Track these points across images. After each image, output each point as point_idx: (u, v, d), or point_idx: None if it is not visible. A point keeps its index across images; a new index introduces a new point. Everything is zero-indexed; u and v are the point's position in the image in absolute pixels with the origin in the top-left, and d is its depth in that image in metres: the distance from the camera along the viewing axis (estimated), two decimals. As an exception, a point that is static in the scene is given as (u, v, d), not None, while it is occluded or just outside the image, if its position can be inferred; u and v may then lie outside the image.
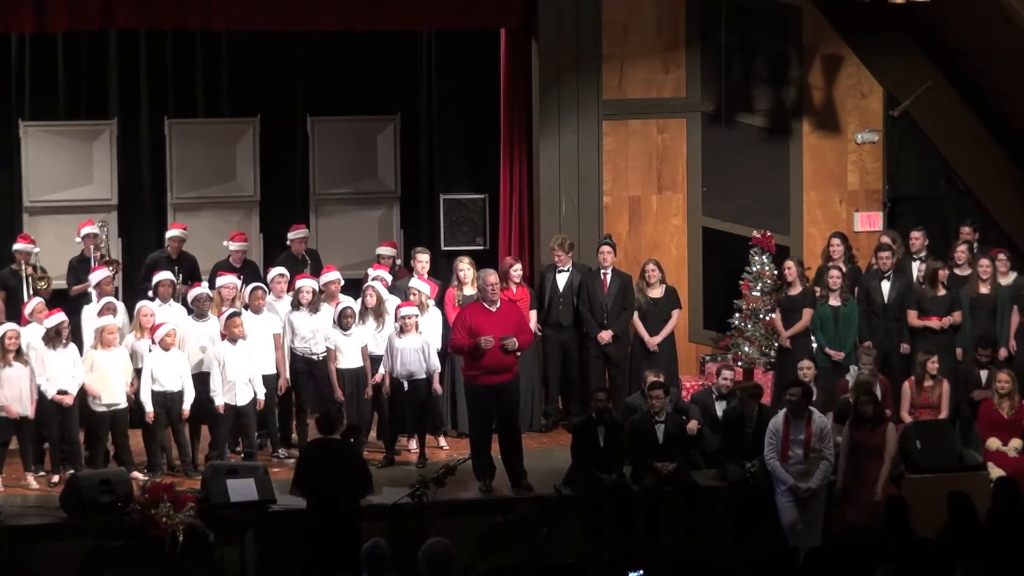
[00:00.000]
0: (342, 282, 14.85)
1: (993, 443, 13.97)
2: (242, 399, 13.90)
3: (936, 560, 10.69)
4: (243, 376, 13.88)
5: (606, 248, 15.46)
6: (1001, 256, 15.63)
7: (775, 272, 16.06)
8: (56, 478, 13.54)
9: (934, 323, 15.08)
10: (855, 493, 12.91)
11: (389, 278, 15.04)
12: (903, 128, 17.11)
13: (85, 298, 14.71)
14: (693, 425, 14.00)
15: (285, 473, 13.71)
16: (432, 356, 14.26)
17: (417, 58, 17.44)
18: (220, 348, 13.89)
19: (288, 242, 15.90)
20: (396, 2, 16.00)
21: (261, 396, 14.03)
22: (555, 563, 11.99)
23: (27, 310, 14.15)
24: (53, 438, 13.63)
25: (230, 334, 13.85)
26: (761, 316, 15.87)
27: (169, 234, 15.74)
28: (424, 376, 14.21)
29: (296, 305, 14.43)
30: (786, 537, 12.81)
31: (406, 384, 14.16)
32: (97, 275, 14.61)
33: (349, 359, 14.21)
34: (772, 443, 13.01)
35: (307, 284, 14.49)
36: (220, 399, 13.81)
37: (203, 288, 14.46)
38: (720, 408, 14.21)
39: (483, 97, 17.02)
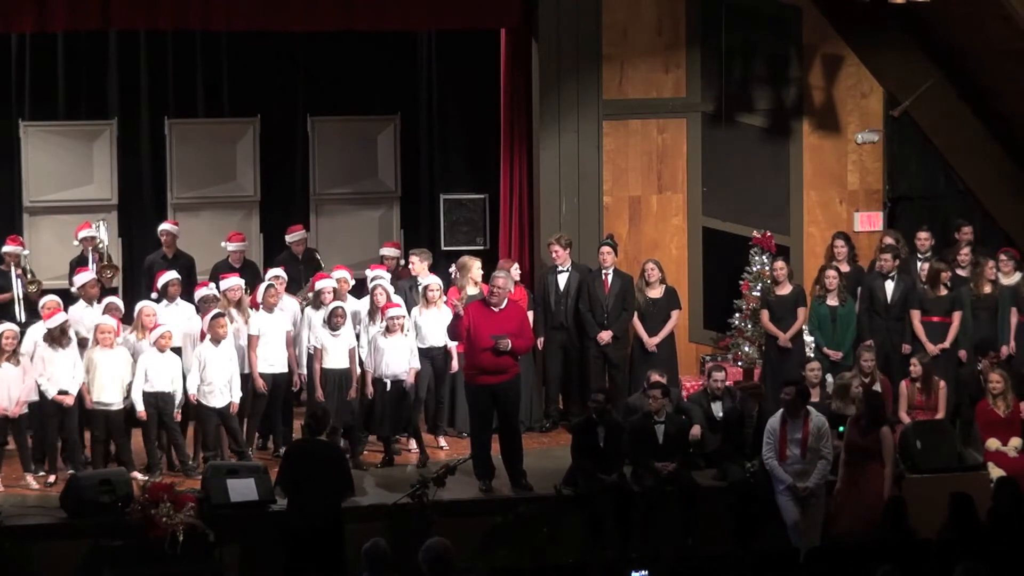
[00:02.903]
0: (351, 283, 14.84)
1: (993, 443, 13.98)
2: (220, 401, 13.87)
3: (936, 560, 10.70)
4: (223, 378, 13.85)
5: (606, 248, 15.46)
6: (1003, 256, 15.64)
7: (772, 273, 16.05)
8: (53, 478, 13.53)
9: (931, 349, 15.04)
10: (848, 496, 12.89)
11: (388, 277, 15.02)
12: (903, 128, 17.11)
13: (71, 298, 14.69)
14: (697, 431, 14.00)
15: (286, 473, 13.74)
16: (414, 356, 14.26)
17: (417, 58, 17.44)
18: (202, 348, 13.87)
19: (287, 244, 15.92)
20: (396, 2, 15.99)
21: (236, 399, 13.92)
22: (555, 563, 11.99)
23: (41, 307, 14.14)
24: (50, 438, 13.61)
25: (214, 335, 13.82)
26: (760, 316, 15.85)
27: (160, 227, 15.75)
28: (407, 377, 14.21)
29: (317, 305, 14.42)
30: (789, 537, 12.80)
31: (389, 384, 14.16)
32: (81, 277, 14.57)
33: (335, 359, 14.15)
34: (770, 442, 13.02)
35: (327, 284, 14.47)
36: (192, 394, 13.76)
37: (211, 289, 14.45)
38: (716, 409, 14.22)
39: (483, 97, 17.03)
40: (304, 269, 15.65)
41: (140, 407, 13.64)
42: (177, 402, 13.79)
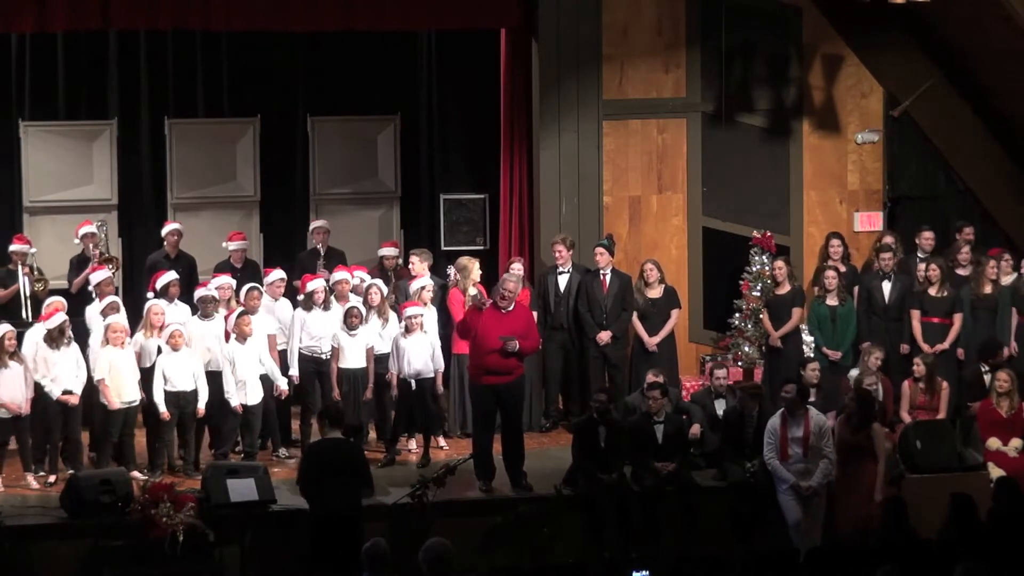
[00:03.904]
0: (351, 283, 14.83)
1: (993, 443, 13.97)
2: (252, 398, 13.92)
3: (936, 560, 10.70)
4: (253, 374, 13.89)
5: (599, 249, 15.45)
6: (1007, 256, 15.64)
7: (771, 273, 16.05)
8: (53, 478, 13.53)
9: (927, 349, 15.04)
10: (844, 495, 12.89)
11: (367, 278, 15.00)
12: (903, 128, 17.11)
13: (87, 299, 14.71)
14: (696, 430, 14.01)
15: (285, 473, 13.74)
16: (437, 355, 14.29)
17: (417, 58, 17.43)
18: (230, 347, 13.91)
19: (311, 231, 16.09)
20: (396, 2, 16.00)
21: (284, 387, 14.09)
22: (555, 563, 11.99)
23: (44, 307, 14.15)
24: (55, 438, 13.61)
25: (240, 332, 13.88)
26: (761, 316, 15.88)
27: (166, 229, 15.77)
28: (431, 375, 14.25)
29: (308, 306, 14.42)
30: (791, 536, 12.80)
31: (414, 383, 14.18)
32: (97, 276, 14.60)
33: (352, 359, 14.21)
34: (771, 442, 13.02)
35: (319, 284, 14.48)
36: (235, 399, 13.84)
37: (208, 289, 14.47)
38: (719, 407, 14.23)
39: (483, 97, 17.02)
40: (327, 262, 15.68)
41: (163, 408, 13.64)
42: (202, 399, 13.79)
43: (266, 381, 14.21)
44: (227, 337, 14.04)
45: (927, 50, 16.95)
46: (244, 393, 13.91)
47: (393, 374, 14.28)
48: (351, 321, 14.19)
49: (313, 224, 16.27)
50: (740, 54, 16.84)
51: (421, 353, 14.19)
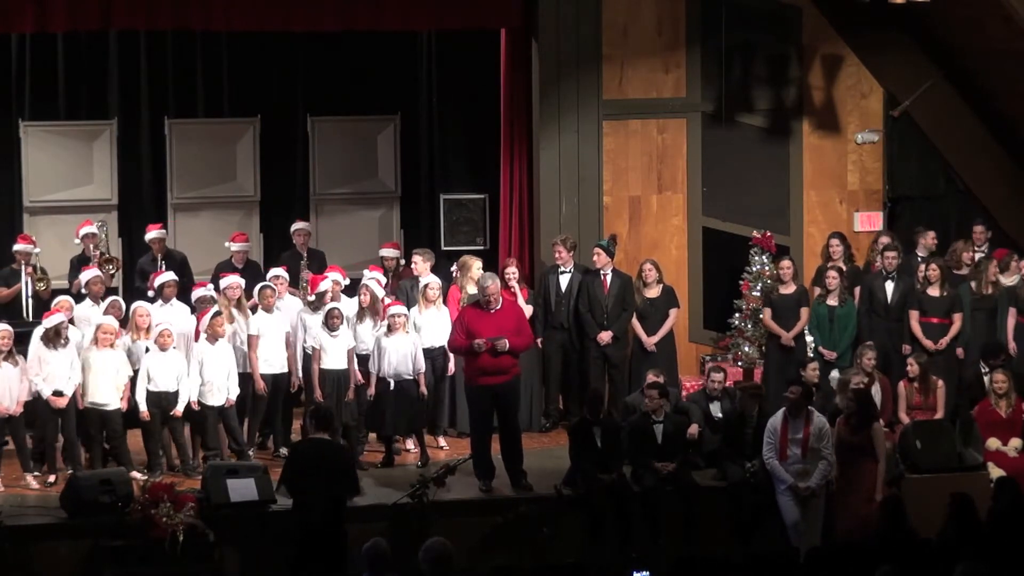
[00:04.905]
0: (342, 285, 14.80)
1: (993, 443, 13.98)
2: (218, 399, 13.88)
3: (936, 560, 10.70)
4: (221, 376, 13.87)
5: (596, 249, 15.44)
6: (1016, 257, 15.65)
7: (775, 272, 16.05)
8: (53, 478, 13.53)
9: (929, 345, 15.04)
10: (843, 496, 12.89)
11: (384, 280, 15.01)
12: (903, 128, 17.11)
13: (77, 297, 14.70)
14: (694, 430, 14.01)
15: (286, 473, 13.76)
16: (419, 357, 14.26)
17: (417, 58, 17.45)
18: (200, 347, 13.88)
19: (292, 233, 16.02)
20: (396, 2, 16.01)
21: (232, 396, 13.95)
22: (555, 563, 11.99)
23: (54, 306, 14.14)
24: (49, 438, 13.60)
25: (213, 333, 13.84)
26: (761, 316, 15.88)
27: (148, 237, 15.74)
28: (411, 377, 14.21)
29: (319, 307, 14.39)
30: (789, 536, 12.81)
31: (392, 383, 14.16)
32: (86, 275, 14.59)
33: (333, 360, 14.14)
34: (771, 442, 13.03)
35: (329, 285, 14.44)
36: (194, 396, 13.79)
37: (207, 290, 14.46)
38: (714, 409, 14.22)
39: (483, 97, 17.03)
40: (310, 264, 15.68)
41: (143, 407, 13.63)
42: (181, 401, 13.78)
43: (271, 382, 14.22)
44: (196, 336, 14.01)
45: (927, 50, 16.95)
46: (212, 394, 13.87)
47: (372, 373, 14.23)
48: (332, 322, 14.14)
49: (294, 226, 16.17)
50: (740, 54, 16.84)
51: (403, 353, 14.17)
